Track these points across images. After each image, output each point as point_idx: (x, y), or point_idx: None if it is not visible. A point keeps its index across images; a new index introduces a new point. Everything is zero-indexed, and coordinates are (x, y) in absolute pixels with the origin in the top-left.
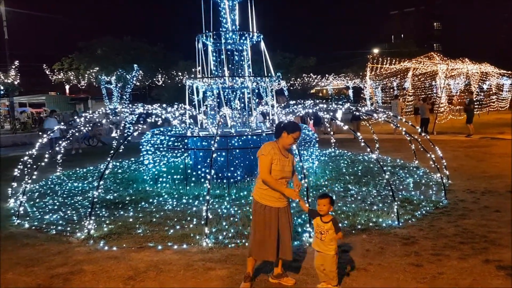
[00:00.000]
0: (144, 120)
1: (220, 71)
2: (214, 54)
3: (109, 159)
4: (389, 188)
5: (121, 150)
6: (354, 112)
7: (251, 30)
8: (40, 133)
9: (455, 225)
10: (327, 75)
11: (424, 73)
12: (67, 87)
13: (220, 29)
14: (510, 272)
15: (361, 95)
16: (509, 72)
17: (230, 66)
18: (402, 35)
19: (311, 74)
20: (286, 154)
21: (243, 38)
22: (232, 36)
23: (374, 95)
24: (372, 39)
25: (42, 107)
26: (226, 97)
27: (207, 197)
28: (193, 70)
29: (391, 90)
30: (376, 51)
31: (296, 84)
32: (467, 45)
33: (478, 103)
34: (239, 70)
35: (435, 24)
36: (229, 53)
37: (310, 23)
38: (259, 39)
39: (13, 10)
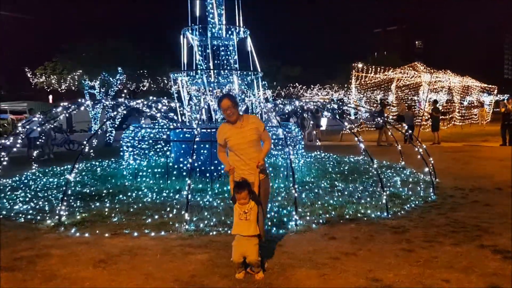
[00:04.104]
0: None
1: (205, 66)
2: (200, 48)
3: (85, 139)
4: (376, 185)
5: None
6: (377, 120)
7: (237, 25)
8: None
9: (446, 216)
10: (312, 85)
11: (407, 85)
12: (50, 97)
13: (208, 23)
14: (508, 255)
15: (345, 107)
16: (490, 86)
17: (216, 61)
18: (385, 52)
19: (296, 84)
20: (241, 124)
21: (230, 32)
22: (219, 30)
23: (358, 106)
24: (356, 54)
25: (23, 115)
26: (212, 92)
27: (188, 181)
28: (180, 80)
29: (375, 104)
30: (360, 65)
31: (282, 94)
32: (449, 62)
33: (460, 115)
34: (226, 65)
35: (416, 42)
36: (215, 48)
37: (295, 35)
38: (245, 35)
39: None
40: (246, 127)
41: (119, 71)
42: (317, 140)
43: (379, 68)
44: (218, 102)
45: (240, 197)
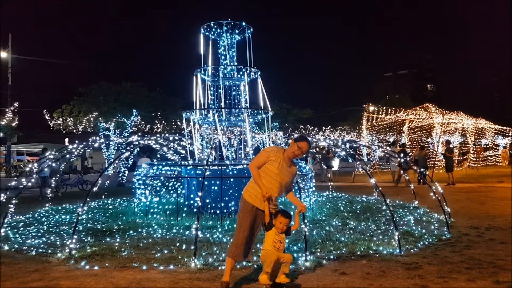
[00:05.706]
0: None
1: (217, 105)
2: (212, 88)
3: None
4: (388, 223)
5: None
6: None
7: (248, 66)
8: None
9: (460, 254)
10: (323, 127)
11: (420, 127)
12: (66, 140)
13: (220, 64)
14: None
15: (357, 150)
16: (504, 128)
17: (227, 100)
18: (396, 96)
19: (307, 125)
20: (289, 163)
21: (241, 73)
22: (230, 71)
23: (371, 150)
24: (367, 97)
25: (39, 156)
26: (223, 130)
27: (198, 215)
28: (192, 119)
29: (387, 145)
30: (372, 108)
31: (294, 136)
32: (460, 105)
33: (475, 157)
34: (237, 105)
35: (428, 86)
36: (226, 88)
37: (306, 78)
38: (256, 75)
39: (18, 57)
40: (291, 169)
41: (133, 113)
42: (330, 181)
43: (390, 110)
44: (300, 139)
45: (284, 222)
